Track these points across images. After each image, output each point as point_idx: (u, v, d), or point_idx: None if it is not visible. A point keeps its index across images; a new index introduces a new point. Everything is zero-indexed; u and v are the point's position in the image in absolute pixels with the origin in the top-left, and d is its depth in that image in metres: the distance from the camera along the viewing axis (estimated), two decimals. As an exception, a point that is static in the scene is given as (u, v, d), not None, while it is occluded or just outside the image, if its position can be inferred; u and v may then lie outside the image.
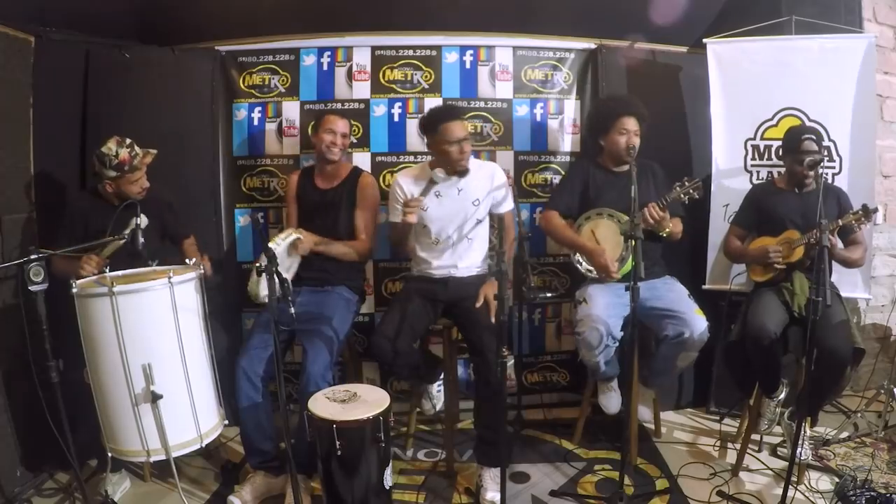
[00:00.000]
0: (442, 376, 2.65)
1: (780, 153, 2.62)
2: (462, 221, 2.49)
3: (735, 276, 2.78)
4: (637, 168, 2.51)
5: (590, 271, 2.55)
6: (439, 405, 2.64)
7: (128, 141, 2.28)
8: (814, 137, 2.40)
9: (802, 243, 2.35)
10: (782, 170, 2.65)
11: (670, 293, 2.48)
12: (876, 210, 2.25)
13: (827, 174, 2.73)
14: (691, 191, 2.41)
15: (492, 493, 2.22)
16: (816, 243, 1.96)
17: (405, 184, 2.52)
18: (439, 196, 2.49)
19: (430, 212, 2.48)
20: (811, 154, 2.38)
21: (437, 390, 2.64)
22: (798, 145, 2.40)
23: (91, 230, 2.30)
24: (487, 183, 2.49)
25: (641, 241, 2.05)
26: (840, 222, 2.28)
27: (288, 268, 2.33)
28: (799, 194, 2.48)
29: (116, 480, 2.33)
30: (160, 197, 2.46)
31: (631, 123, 2.52)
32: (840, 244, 2.39)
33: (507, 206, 2.54)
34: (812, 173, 2.40)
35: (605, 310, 2.38)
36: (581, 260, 2.59)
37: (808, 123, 2.74)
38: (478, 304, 2.24)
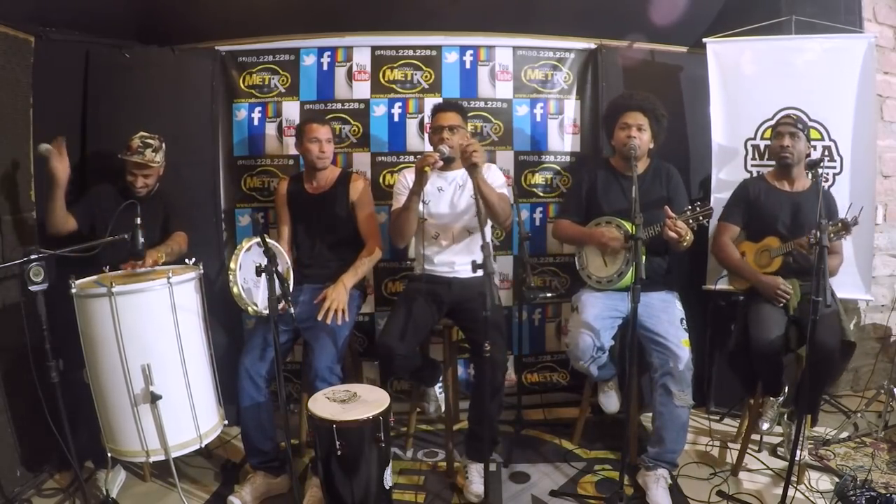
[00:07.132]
0: (441, 379, 2.65)
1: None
2: (463, 213, 2.50)
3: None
4: (651, 169, 2.48)
5: (589, 277, 2.53)
6: (443, 406, 2.64)
7: (155, 142, 2.41)
8: (793, 116, 2.42)
9: (780, 254, 2.35)
10: None
11: (664, 314, 2.35)
12: (856, 223, 2.15)
13: (828, 174, 2.74)
14: (701, 218, 2.25)
15: (476, 486, 2.24)
16: (814, 244, 1.93)
17: (411, 174, 2.46)
18: (441, 190, 2.52)
19: (431, 205, 2.49)
20: (788, 126, 2.39)
21: (439, 392, 2.65)
22: (778, 120, 2.44)
23: (100, 214, 2.40)
24: (486, 177, 2.46)
25: (643, 250, 2.02)
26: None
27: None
28: (790, 193, 2.46)
29: (111, 477, 2.32)
30: (170, 195, 2.57)
31: (633, 118, 2.42)
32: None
33: (503, 190, 2.48)
34: (789, 145, 2.39)
35: (594, 320, 2.34)
36: (580, 263, 2.58)
37: (808, 123, 2.73)
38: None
